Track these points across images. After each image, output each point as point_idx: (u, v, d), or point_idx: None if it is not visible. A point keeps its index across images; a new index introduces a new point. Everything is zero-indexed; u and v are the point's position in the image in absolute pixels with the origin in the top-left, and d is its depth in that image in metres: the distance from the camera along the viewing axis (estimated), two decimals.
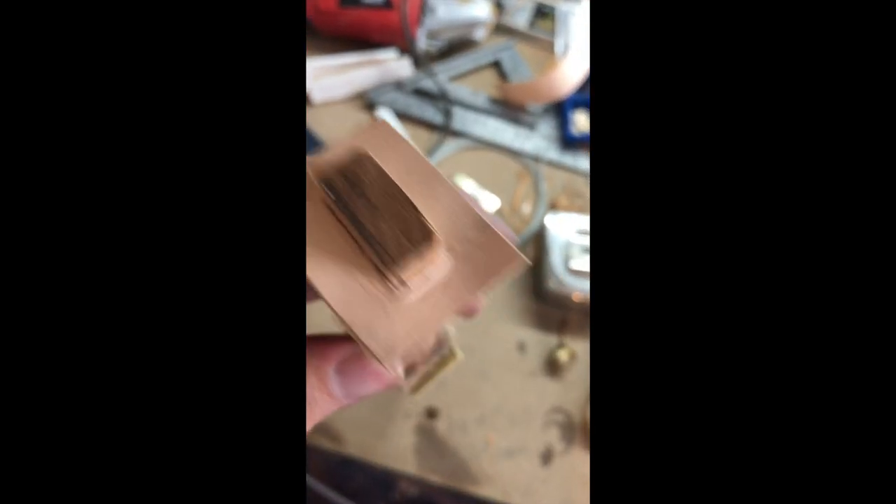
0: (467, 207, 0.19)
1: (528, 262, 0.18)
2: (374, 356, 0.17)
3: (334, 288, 0.18)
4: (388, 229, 0.17)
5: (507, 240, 0.18)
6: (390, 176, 0.18)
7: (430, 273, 0.18)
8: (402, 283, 0.18)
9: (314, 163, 0.20)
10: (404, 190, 0.18)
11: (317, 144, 0.69)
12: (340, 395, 0.22)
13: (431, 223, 0.18)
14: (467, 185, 0.68)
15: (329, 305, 0.18)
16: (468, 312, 0.22)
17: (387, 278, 0.18)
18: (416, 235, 0.17)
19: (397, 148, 0.20)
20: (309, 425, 0.21)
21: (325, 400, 0.21)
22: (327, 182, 0.18)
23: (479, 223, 0.19)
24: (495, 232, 0.18)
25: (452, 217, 0.19)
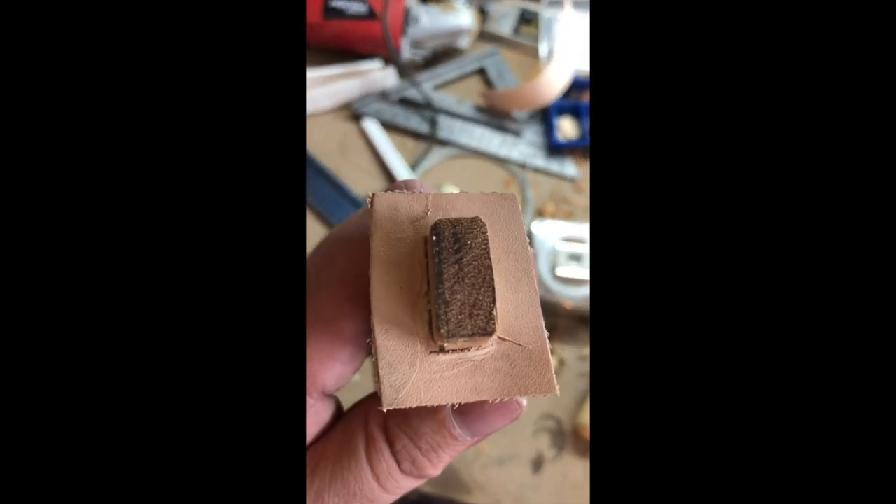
0: (537, 313, 0.20)
1: (558, 394, 0.19)
2: (379, 388, 0.18)
3: (386, 311, 0.19)
4: (460, 300, 0.18)
5: (551, 366, 0.19)
6: (491, 255, 0.19)
7: (471, 353, 0.19)
8: (443, 349, 0.19)
9: (437, 198, 0.21)
10: (495, 269, 0.19)
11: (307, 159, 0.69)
12: (466, 436, 0.21)
13: (498, 316, 0.18)
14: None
15: (371, 322, 0.19)
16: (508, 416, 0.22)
17: (432, 337, 0.19)
18: (479, 322, 0.18)
19: (510, 228, 0.21)
20: (438, 470, 0.22)
21: (449, 443, 0.21)
22: (437, 228, 0.19)
23: (539, 333, 0.19)
24: (546, 351, 0.19)
25: (520, 315, 0.20)
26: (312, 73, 0.72)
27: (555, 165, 0.71)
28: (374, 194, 0.20)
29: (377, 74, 0.72)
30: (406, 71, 0.72)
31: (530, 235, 0.63)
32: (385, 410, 0.18)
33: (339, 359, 0.21)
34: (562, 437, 0.59)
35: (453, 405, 0.21)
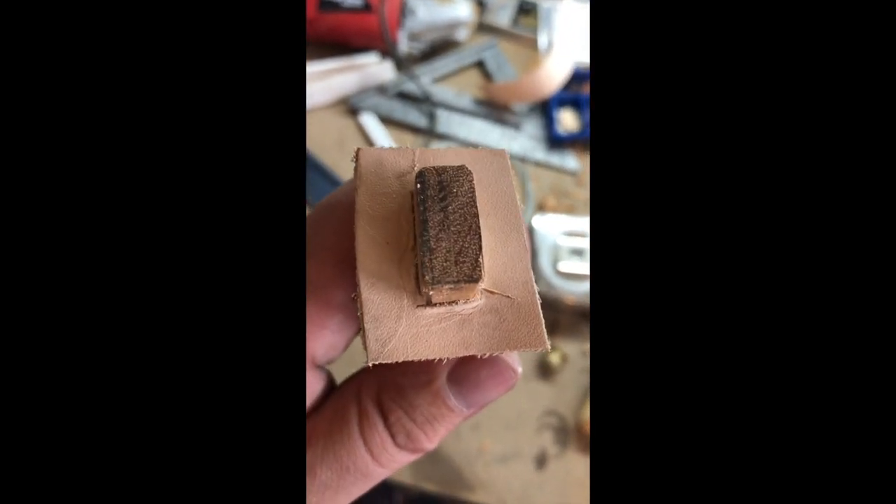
0: (526, 267, 0.19)
1: (549, 348, 0.18)
2: (364, 342, 0.17)
3: (371, 265, 0.18)
4: (445, 248, 0.17)
5: (541, 320, 0.18)
6: (477, 204, 0.18)
7: (458, 307, 0.18)
8: (429, 301, 0.18)
9: (424, 152, 0.20)
10: (484, 224, 0.19)
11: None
12: (462, 407, 0.21)
13: (485, 266, 0.18)
14: None
15: (357, 276, 0.18)
16: (506, 383, 0.21)
17: (418, 288, 0.18)
18: (465, 269, 0.17)
19: (500, 182, 0.20)
20: (434, 444, 0.21)
21: (445, 415, 0.20)
22: (422, 176, 0.18)
23: (528, 287, 0.19)
24: (536, 304, 0.18)
25: (508, 269, 0.19)
26: (308, 68, 0.71)
27: (555, 159, 0.70)
28: (359, 149, 0.20)
29: (374, 68, 0.71)
30: (404, 64, 0.71)
31: (531, 230, 0.62)
32: (371, 365, 0.17)
33: (328, 327, 0.20)
34: (565, 433, 0.59)
35: (447, 370, 0.21)
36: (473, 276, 0.17)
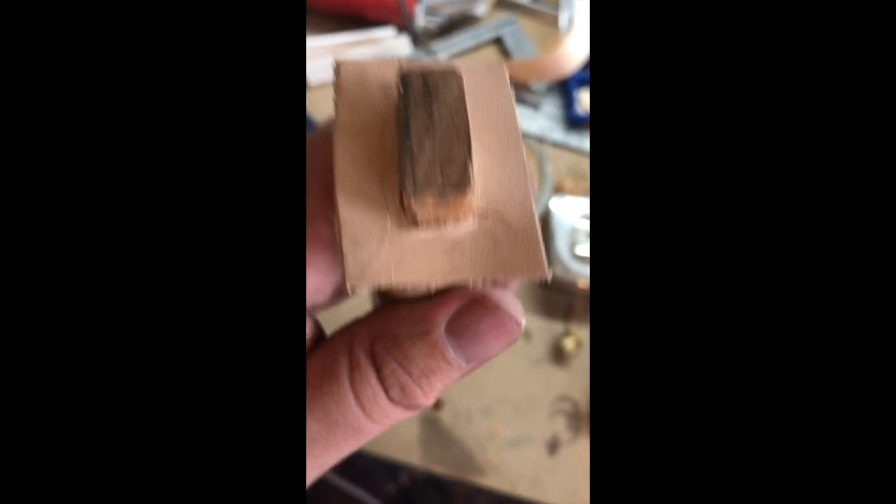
0: (525, 189, 0.18)
1: (547, 276, 0.17)
2: (342, 264, 0.16)
3: (351, 183, 0.17)
4: (428, 153, 0.16)
5: (540, 246, 0.17)
6: (471, 120, 0.17)
7: (446, 228, 0.17)
8: (415, 220, 0.17)
9: (412, 63, 0.19)
10: (476, 141, 0.17)
11: (315, 128, 0.67)
12: (461, 360, 0.19)
13: (479, 185, 0.16)
14: None
15: (335, 194, 0.17)
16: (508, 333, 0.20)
17: (402, 204, 0.17)
18: (452, 176, 0.16)
19: (496, 96, 0.19)
20: (430, 400, 0.20)
21: (443, 369, 0.19)
22: (405, 77, 0.17)
23: (527, 211, 0.17)
24: (535, 229, 0.17)
25: (505, 190, 0.17)
26: (322, 42, 0.69)
27: (574, 140, 0.68)
28: (339, 61, 0.19)
29: (390, 43, 0.69)
30: (420, 39, 0.69)
31: (548, 213, 0.60)
32: (350, 288, 0.16)
33: (314, 265, 0.19)
34: (578, 419, 0.58)
35: (446, 321, 0.19)
36: (461, 183, 0.16)
